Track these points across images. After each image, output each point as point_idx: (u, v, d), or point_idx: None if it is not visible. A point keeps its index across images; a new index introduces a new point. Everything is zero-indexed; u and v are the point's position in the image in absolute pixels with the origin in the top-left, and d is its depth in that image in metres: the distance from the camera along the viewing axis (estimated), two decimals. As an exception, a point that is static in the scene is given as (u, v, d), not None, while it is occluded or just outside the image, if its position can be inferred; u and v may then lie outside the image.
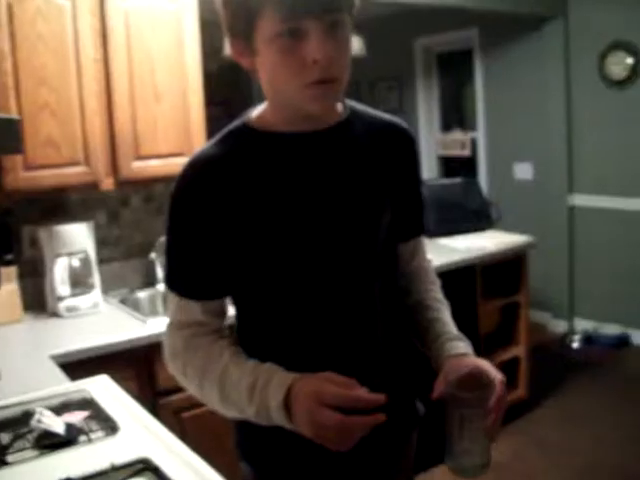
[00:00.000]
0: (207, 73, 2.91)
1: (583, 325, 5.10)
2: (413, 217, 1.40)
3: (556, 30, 4.99)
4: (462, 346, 1.29)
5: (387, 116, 1.35)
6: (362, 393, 1.03)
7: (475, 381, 1.18)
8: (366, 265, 1.25)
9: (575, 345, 4.93)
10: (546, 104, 5.16)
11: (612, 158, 4.87)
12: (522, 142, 5.40)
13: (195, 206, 1.17)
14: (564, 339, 5.02)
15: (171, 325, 1.26)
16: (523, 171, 5.46)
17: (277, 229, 1.17)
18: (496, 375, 1.19)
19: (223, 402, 1.18)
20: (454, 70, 6.16)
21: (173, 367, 1.26)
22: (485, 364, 1.22)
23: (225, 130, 1.23)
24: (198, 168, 1.18)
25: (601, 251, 5.02)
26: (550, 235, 5.16)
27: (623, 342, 4.86)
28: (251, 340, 1.27)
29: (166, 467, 1.39)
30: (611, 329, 4.90)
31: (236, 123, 1.23)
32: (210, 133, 2.92)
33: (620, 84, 4.73)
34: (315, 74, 1.07)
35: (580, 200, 5.10)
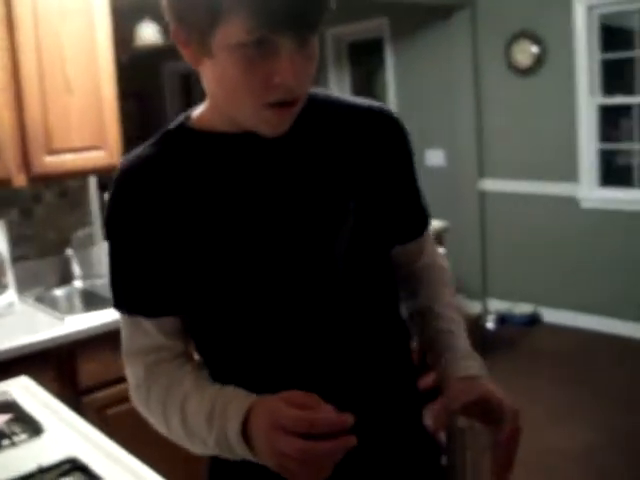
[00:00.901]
0: (117, 65, 2.86)
1: (496, 305, 5.29)
2: (410, 215, 1.20)
3: (464, 19, 5.12)
4: (473, 366, 1.09)
5: (366, 102, 1.15)
6: (324, 414, 0.87)
7: (482, 411, 1.02)
8: (323, 279, 1.06)
9: (489, 325, 5.11)
10: (456, 92, 5.30)
11: (519, 144, 5.05)
12: (433, 129, 5.53)
13: (134, 216, 1.04)
14: (478, 320, 5.19)
15: (129, 354, 1.11)
16: (435, 158, 5.59)
17: (220, 239, 1.03)
18: (509, 405, 1.02)
19: (188, 436, 1.03)
20: (365, 59, 6.24)
21: (137, 400, 1.12)
22: (496, 391, 1.04)
23: (161, 131, 1.10)
24: (133, 174, 1.05)
25: (511, 233, 5.21)
26: (462, 219, 5.32)
27: (535, 320, 5.08)
28: (211, 361, 1.12)
29: (94, 465, 1.38)
30: (523, 308, 5.11)
31: (174, 123, 1.10)
32: (125, 130, 2.87)
33: (525, 72, 4.91)
34: (278, 95, 0.94)
35: (490, 185, 5.27)
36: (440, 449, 1.15)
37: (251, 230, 1.03)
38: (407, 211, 1.19)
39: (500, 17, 4.97)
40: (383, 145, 1.12)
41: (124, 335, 1.11)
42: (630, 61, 4.57)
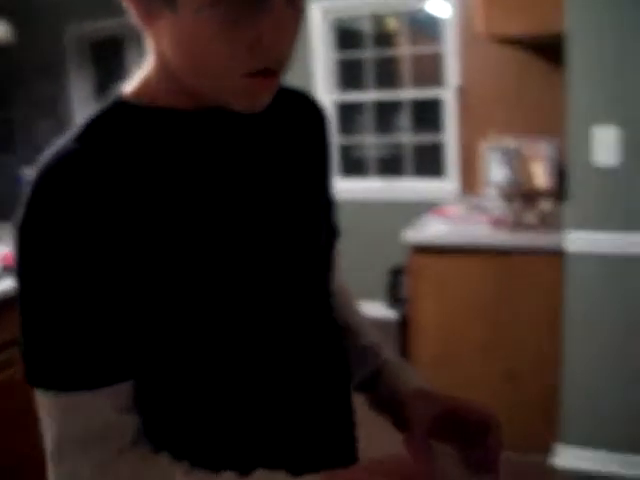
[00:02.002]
0: None
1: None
2: (331, 218, 1.06)
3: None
4: (414, 375, 0.98)
5: (294, 87, 1.01)
6: None
7: (453, 424, 0.88)
8: (319, 293, 0.93)
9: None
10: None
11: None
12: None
13: (78, 235, 0.72)
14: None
15: (60, 448, 0.75)
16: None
17: (200, 242, 0.79)
18: (486, 413, 0.87)
19: None
20: (108, 59, 6.14)
21: None
22: (463, 400, 0.89)
23: (89, 117, 0.81)
24: (66, 180, 0.73)
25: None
26: None
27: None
28: (165, 424, 0.83)
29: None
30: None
31: (105, 105, 0.82)
32: None
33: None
34: (264, 60, 0.74)
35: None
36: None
37: (236, 233, 0.82)
38: (330, 211, 1.05)
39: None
40: (318, 136, 1.00)
41: (50, 422, 0.75)
42: (360, 61, 5.08)
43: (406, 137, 5.03)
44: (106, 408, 0.75)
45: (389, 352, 1.03)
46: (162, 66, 0.80)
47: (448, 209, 3.62)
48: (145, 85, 0.82)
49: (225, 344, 0.81)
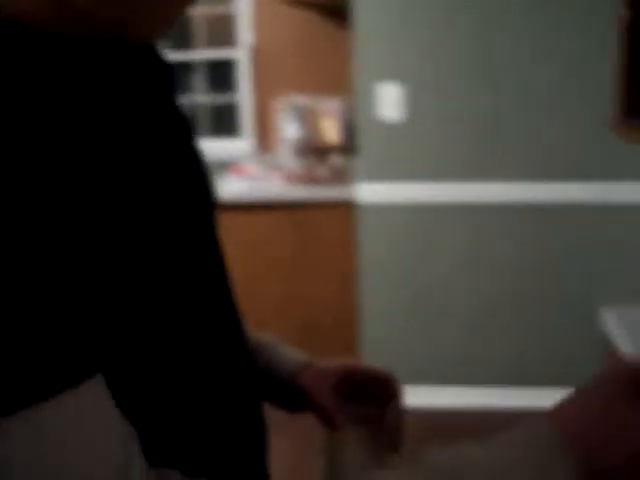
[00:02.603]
0: None
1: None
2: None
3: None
4: (289, 352, 0.92)
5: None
6: None
7: (353, 389, 0.89)
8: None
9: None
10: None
11: None
12: None
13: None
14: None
15: None
16: None
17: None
18: (377, 370, 0.87)
19: None
20: None
21: None
22: (351, 362, 0.88)
23: None
24: None
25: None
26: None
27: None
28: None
29: None
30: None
31: None
32: None
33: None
34: None
35: None
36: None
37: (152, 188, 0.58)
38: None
39: None
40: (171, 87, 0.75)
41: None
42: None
43: (201, 98, 4.96)
44: (113, 409, 0.53)
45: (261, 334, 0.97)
46: None
47: (244, 168, 3.62)
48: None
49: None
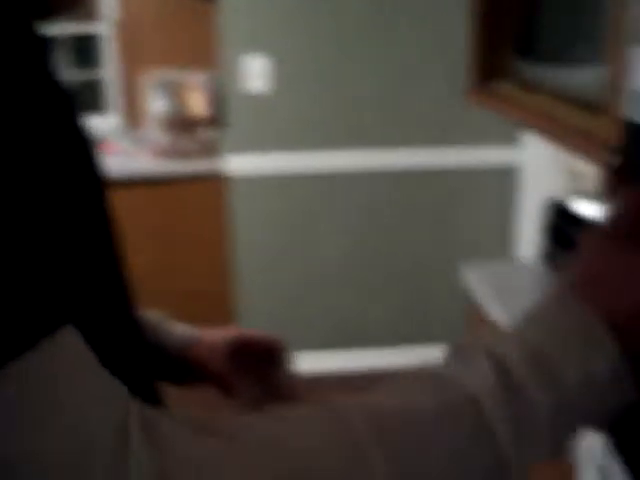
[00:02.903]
0: None
1: None
2: None
3: None
4: (172, 325, 0.92)
5: None
6: None
7: (243, 356, 0.90)
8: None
9: None
10: None
11: None
12: None
13: None
14: None
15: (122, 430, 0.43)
16: None
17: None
18: (275, 340, 0.90)
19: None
20: None
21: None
22: (238, 330, 0.92)
23: None
24: None
25: None
26: None
27: None
28: None
29: None
30: None
31: None
32: None
33: None
34: None
35: None
36: None
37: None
38: None
39: None
40: None
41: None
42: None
43: (66, 74, 4.79)
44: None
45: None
46: None
47: (112, 145, 3.55)
48: None
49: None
